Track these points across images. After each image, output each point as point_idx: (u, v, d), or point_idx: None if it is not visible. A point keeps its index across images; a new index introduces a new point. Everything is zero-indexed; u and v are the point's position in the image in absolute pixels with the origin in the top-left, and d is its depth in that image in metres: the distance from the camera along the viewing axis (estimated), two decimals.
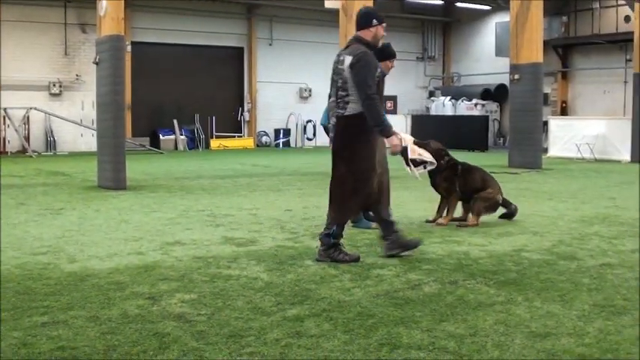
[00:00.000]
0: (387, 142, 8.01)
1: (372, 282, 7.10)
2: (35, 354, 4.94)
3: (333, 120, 8.22)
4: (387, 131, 7.95)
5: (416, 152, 9.63)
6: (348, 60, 7.94)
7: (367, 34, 8.23)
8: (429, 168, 9.97)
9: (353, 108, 7.93)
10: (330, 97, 8.38)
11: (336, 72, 8.12)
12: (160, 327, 5.57)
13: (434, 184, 10.89)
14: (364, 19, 8.29)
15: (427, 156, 9.77)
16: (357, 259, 8.09)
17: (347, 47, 8.22)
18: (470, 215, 10.77)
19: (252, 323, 5.67)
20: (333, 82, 8.19)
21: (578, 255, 8.47)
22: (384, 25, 8.32)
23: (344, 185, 8.07)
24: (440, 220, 10.72)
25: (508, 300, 6.43)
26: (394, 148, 8.03)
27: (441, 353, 4.98)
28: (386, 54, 10.30)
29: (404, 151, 9.11)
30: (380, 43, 8.80)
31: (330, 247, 8.09)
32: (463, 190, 10.78)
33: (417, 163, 9.62)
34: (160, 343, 5.17)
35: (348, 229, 10.24)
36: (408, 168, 9.59)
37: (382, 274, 7.46)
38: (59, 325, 5.62)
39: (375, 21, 8.26)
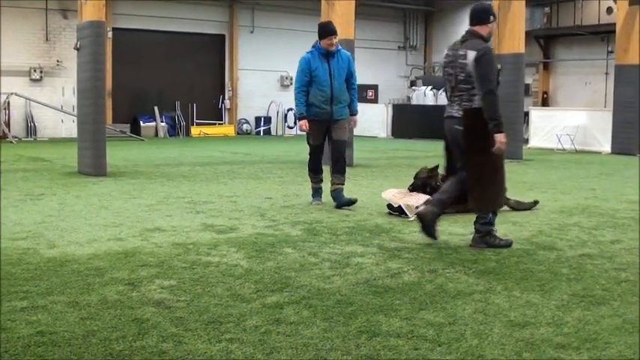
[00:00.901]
0: (496, 137, 8.10)
1: (352, 270, 7.11)
2: (14, 339, 4.93)
3: (458, 112, 8.34)
4: (501, 127, 8.10)
5: (412, 200, 10.48)
6: (471, 54, 8.10)
7: (484, 30, 8.35)
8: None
9: (480, 101, 8.12)
10: (447, 91, 8.70)
11: (458, 66, 8.25)
12: (139, 313, 5.56)
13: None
14: (482, 15, 8.39)
15: (416, 200, 10.45)
16: (510, 244, 8.35)
17: (464, 41, 8.33)
18: None
19: (232, 310, 5.67)
20: (450, 75, 8.38)
21: (558, 245, 8.50)
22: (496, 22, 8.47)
23: (482, 175, 8.22)
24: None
25: (487, 289, 6.45)
26: (502, 146, 8.14)
27: (419, 341, 4.99)
28: (327, 31, 11.12)
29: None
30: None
31: (487, 234, 8.30)
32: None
33: (411, 208, 10.31)
34: (139, 329, 5.17)
35: (328, 217, 10.27)
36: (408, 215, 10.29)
37: (362, 262, 7.47)
38: (38, 310, 5.61)
39: (492, 17, 8.40)
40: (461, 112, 8.26)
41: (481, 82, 8.03)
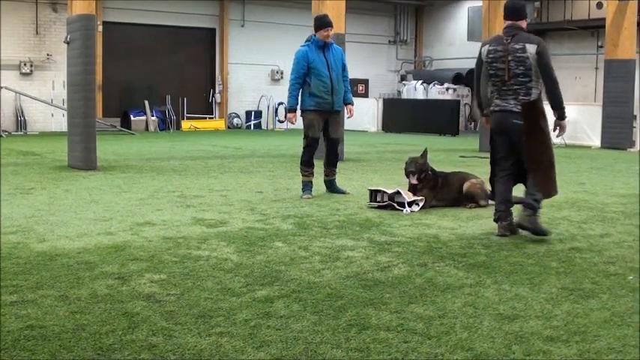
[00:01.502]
0: (563, 123, 8.63)
1: (342, 264, 7.12)
2: (4, 333, 4.93)
3: (516, 107, 8.44)
4: (565, 114, 8.55)
5: (410, 195, 10.58)
6: (531, 47, 8.37)
7: (524, 24, 8.66)
8: (421, 205, 10.62)
9: (536, 93, 8.45)
10: (480, 89, 8.90)
11: (513, 60, 8.40)
12: (129, 307, 5.56)
13: (413, 190, 10.80)
14: (522, 11, 8.72)
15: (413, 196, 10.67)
16: (548, 234, 8.48)
17: (514, 36, 8.51)
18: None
19: (222, 304, 5.68)
20: (501, 70, 8.50)
21: (547, 239, 8.51)
22: None
23: (543, 161, 8.43)
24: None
25: (477, 282, 6.46)
26: (564, 130, 8.69)
27: (409, 334, 5.00)
28: (323, 23, 11.56)
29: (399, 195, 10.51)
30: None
31: (535, 214, 8.44)
32: (447, 198, 10.84)
33: (410, 203, 10.48)
34: (129, 323, 5.17)
35: (319, 211, 10.28)
36: (405, 209, 10.37)
37: (352, 256, 7.48)
38: (28, 304, 5.60)
39: (526, 12, 8.77)
40: (519, 107, 8.39)
41: (547, 73, 8.34)
